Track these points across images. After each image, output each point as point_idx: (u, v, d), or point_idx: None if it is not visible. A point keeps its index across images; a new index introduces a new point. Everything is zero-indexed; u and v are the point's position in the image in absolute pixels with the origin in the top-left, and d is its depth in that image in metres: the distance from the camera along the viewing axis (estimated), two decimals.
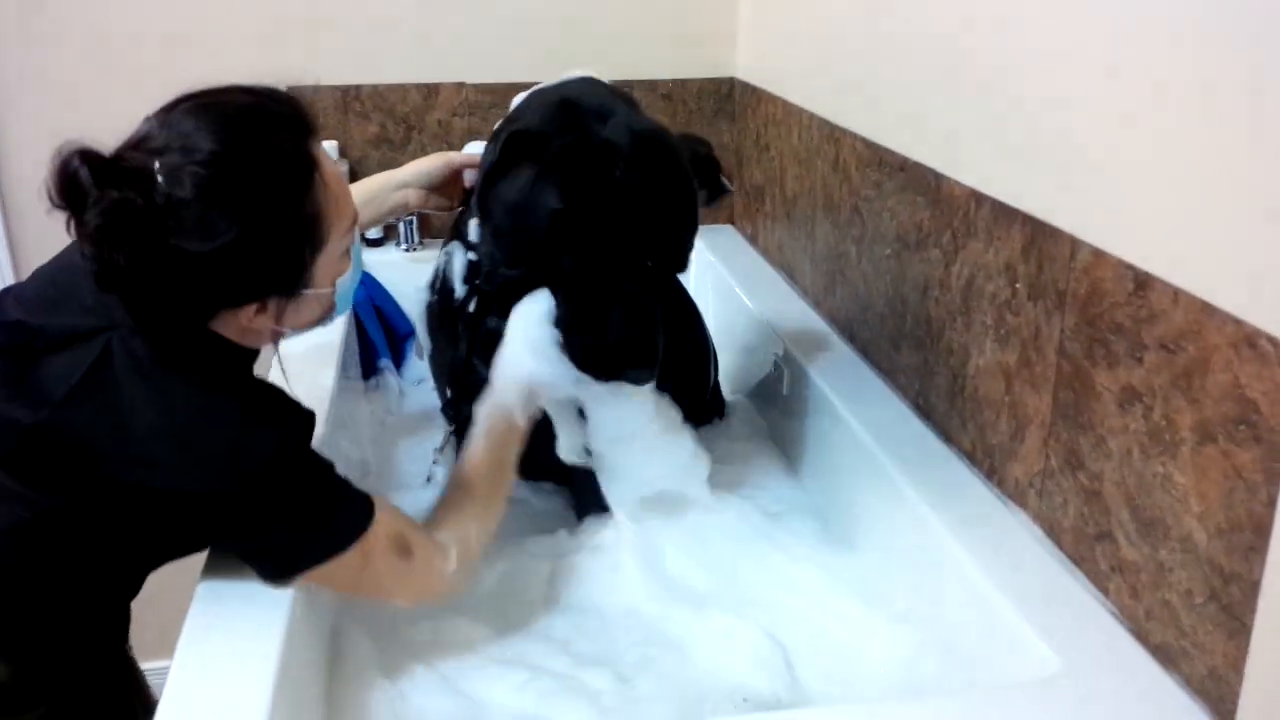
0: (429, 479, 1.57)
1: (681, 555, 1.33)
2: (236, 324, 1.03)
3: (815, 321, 1.73)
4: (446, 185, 1.46)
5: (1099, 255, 0.99)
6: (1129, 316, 0.95)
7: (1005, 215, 1.14)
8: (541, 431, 1.37)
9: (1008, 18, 1.15)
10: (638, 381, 1.23)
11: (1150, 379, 0.93)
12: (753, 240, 2.15)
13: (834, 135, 1.63)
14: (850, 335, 1.62)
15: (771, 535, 1.36)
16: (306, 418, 1.06)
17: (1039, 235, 1.08)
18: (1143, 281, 0.93)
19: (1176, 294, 0.89)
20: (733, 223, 2.28)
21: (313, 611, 1.11)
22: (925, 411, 1.38)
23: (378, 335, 1.91)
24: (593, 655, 1.18)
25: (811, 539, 1.38)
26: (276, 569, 1.05)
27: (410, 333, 2.02)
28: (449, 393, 1.45)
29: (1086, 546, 1.05)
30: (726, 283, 1.97)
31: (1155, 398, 0.93)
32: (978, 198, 1.20)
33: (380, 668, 1.16)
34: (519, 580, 1.31)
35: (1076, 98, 1.03)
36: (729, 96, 2.19)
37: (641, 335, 1.21)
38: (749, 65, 2.13)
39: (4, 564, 1.02)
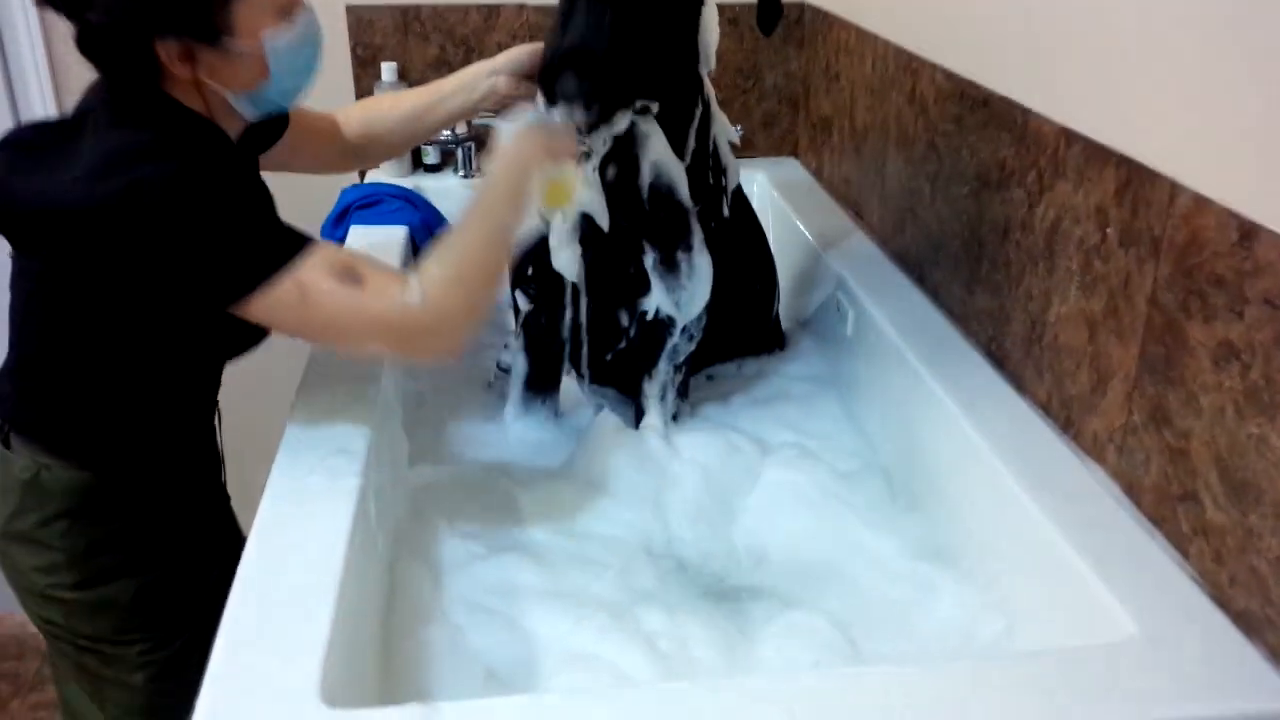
0: (495, 374, 1.57)
1: (752, 519, 1.30)
2: (177, 80, 1.09)
3: (882, 261, 1.67)
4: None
5: (1201, 202, 0.93)
6: (1231, 269, 0.89)
7: (1098, 155, 1.08)
8: (606, 332, 1.36)
9: None
10: (566, 94, 1.16)
11: (1251, 335, 0.88)
12: (817, 174, 2.09)
13: (911, 66, 1.56)
14: (920, 276, 1.57)
15: (842, 496, 1.32)
16: (239, 165, 1.11)
17: (1135, 178, 1.02)
18: (1248, 232, 0.87)
19: None
20: (796, 155, 2.22)
21: (370, 546, 1.10)
22: (999, 359, 1.33)
23: None
24: (645, 594, 1.16)
25: (880, 497, 1.34)
26: (208, 299, 1.05)
27: None
28: (530, 269, 1.42)
29: (1168, 507, 1.01)
30: (788, 216, 1.91)
31: (1255, 355, 0.87)
32: (1068, 136, 1.13)
33: (437, 603, 1.15)
34: (576, 513, 1.30)
35: (1180, 33, 0.96)
36: (798, 22, 2.12)
37: (586, 42, 1.15)
38: None
39: (38, 350, 1.16)
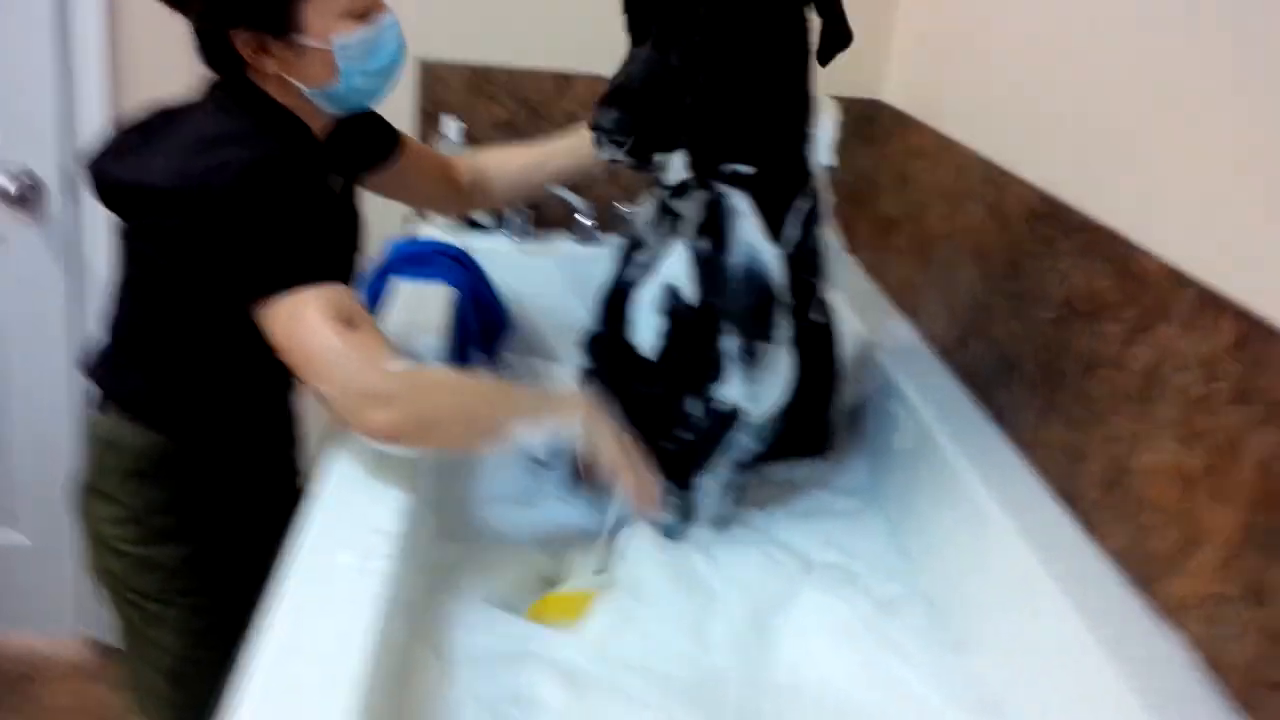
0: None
1: (791, 649, 1.22)
2: (264, 75, 1.17)
3: (941, 373, 1.60)
4: None
5: None
6: None
7: (1213, 304, 1.02)
8: (673, 418, 1.34)
9: (1232, 59, 1.02)
10: (599, 125, 1.12)
11: None
12: (872, 271, 2.03)
13: (997, 179, 1.51)
14: (984, 395, 1.50)
15: (882, 631, 1.24)
16: (311, 167, 1.14)
17: (1255, 334, 0.96)
18: None
19: None
20: (853, 253, 2.16)
21: (392, 634, 1.02)
22: (1069, 497, 1.25)
23: (473, 323, 1.83)
24: None
25: (923, 635, 1.25)
26: (225, 290, 1.11)
27: (505, 326, 1.94)
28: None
29: (1261, 693, 0.93)
30: (842, 312, 1.85)
31: None
32: (1179, 279, 1.07)
33: (444, 702, 1.07)
34: (611, 632, 1.21)
35: None
36: (872, 120, 2.07)
37: (627, 78, 1.15)
38: (900, 89, 2.01)
39: (125, 319, 1.25)
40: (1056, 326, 1.30)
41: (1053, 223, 1.33)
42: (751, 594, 1.27)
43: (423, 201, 1.64)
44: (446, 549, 1.31)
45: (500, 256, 1.95)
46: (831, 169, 1.34)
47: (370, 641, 0.92)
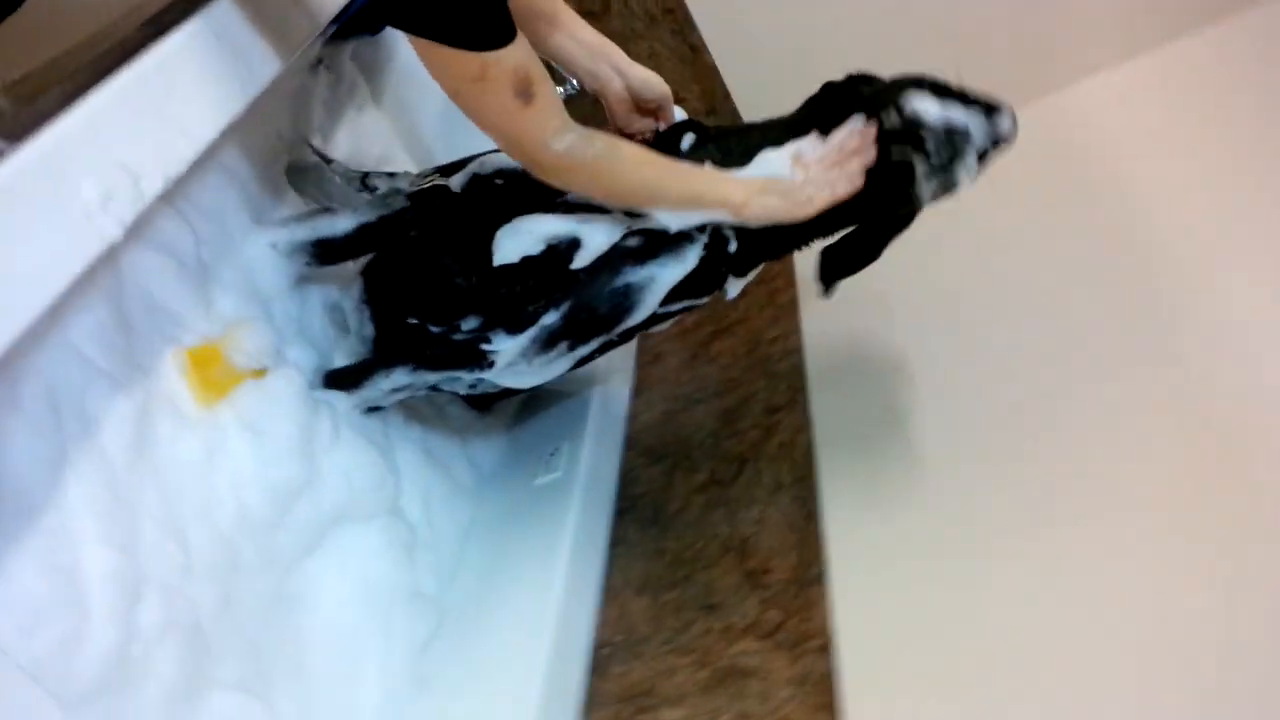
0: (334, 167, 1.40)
1: (321, 565, 1.23)
2: None
3: (613, 460, 1.63)
4: (645, 114, 1.34)
5: None
6: None
7: (827, 685, 1.10)
8: (444, 307, 1.27)
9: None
10: None
11: None
12: None
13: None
14: (621, 514, 1.53)
15: (389, 615, 1.27)
16: None
17: None
18: None
19: None
20: None
21: None
22: (597, 668, 1.31)
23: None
24: (172, 579, 1.04)
25: (420, 644, 1.29)
26: (403, 17, 1.04)
27: (373, 33, 1.76)
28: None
29: None
30: None
31: None
32: (826, 645, 1.15)
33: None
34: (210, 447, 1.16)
35: None
36: None
37: None
38: None
39: None
40: (720, 551, 1.36)
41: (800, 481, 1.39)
42: (347, 494, 1.26)
43: None
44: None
45: None
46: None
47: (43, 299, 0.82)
